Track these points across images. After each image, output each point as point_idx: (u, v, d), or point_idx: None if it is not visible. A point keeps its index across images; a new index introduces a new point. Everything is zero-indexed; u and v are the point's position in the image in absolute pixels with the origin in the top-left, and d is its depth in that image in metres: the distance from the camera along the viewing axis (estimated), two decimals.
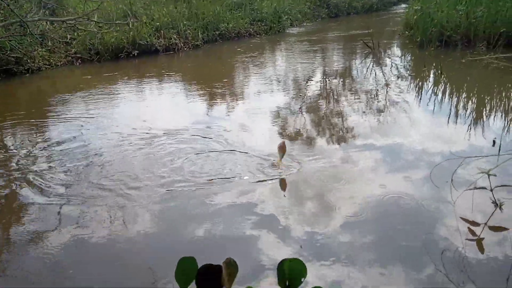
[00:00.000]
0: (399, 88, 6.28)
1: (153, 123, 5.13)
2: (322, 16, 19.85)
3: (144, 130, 4.88)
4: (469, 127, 4.48)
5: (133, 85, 7.75)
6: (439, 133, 4.39)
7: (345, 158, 3.86)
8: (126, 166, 3.91)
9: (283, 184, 3.42)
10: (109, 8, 11.30)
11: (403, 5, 22.97)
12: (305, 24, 17.22)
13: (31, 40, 8.53)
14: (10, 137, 5.11)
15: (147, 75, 8.58)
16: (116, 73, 8.86)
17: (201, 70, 9.20)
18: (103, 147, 4.43)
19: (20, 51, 8.21)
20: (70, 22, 8.94)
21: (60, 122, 5.51)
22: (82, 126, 5.28)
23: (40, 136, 5.03)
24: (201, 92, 6.91)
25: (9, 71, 8.14)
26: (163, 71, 8.86)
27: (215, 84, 7.38)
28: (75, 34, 9.78)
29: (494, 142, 3.55)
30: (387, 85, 6.48)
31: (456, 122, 4.72)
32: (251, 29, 14.28)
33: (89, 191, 3.47)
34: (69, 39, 9.76)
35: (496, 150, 3.49)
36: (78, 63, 9.41)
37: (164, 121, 5.20)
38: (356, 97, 5.99)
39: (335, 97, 6.18)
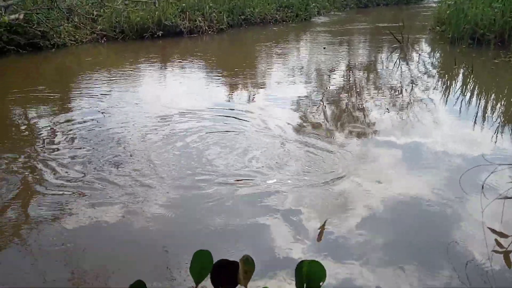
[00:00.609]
0: (427, 86, 6.09)
1: (172, 105, 5.15)
2: (350, 6, 19.42)
3: (161, 110, 4.89)
4: (498, 131, 4.30)
5: (156, 67, 7.76)
6: (467, 136, 4.25)
7: (361, 155, 3.78)
8: (145, 145, 3.93)
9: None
10: None
11: None
12: (332, 12, 16.87)
13: (58, 14, 8.60)
14: (33, 109, 5.20)
15: (171, 58, 8.58)
16: (141, 53, 8.89)
17: (225, 56, 9.14)
18: (124, 127, 4.46)
19: (47, 25, 8.28)
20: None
21: (82, 98, 5.57)
22: (102, 102, 5.34)
23: (60, 111, 5.10)
24: (223, 79, 6.86)
25: (35, 45, 8.23)
26: (187, 54, 8.84)
27: (238, 71, 7.32)
28: (102, 11, 9.82)
29: None
30: (413, 82, 6.29)
31: (484, 126, 4.54)
32: (277, 15, 14.07)
33: (107, 168, 3.50)
34: (95, 16, 9.82)
35: None
36: (103, 41, 9.48)
37: (180, 108, 5.19)
38: (381, 93, 5.84)
39: (358, 91, 6.04)
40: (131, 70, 7.30)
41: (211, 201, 3.02)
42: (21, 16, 7.19)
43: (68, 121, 4.71)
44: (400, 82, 6.33)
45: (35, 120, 4.86)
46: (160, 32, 10.11)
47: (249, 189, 3.17)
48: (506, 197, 2.74)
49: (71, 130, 4.45)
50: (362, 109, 5.17)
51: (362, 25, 13.40)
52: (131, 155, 3.78)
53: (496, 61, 7.03)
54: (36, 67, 7.57)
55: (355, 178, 3.29)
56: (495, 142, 4.00)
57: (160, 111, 4.95)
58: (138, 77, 6.90)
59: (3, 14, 6.63)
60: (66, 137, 4.25)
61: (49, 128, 4.54)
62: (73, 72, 7.33)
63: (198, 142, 4.02)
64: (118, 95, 5.76)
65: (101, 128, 4.49)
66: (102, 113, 4.97)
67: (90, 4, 9.54)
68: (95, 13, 9.77)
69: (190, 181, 3.29)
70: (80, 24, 9.35)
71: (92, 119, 4.74)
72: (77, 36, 9.10)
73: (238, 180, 3.28)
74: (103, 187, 3.23)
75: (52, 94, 5.76)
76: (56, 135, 4.33)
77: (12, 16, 6.80)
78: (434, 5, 17.41)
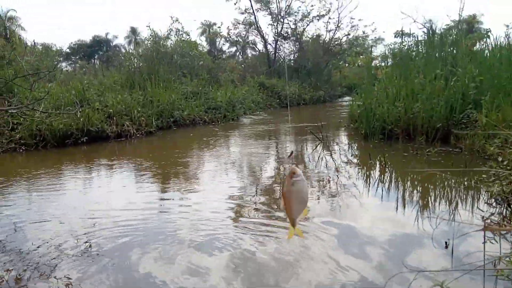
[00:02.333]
0: (350, 175, 6.52)
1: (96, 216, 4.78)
2: (274, 106, 20.97)
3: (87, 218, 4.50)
4: (418, 214, 4.58)
5: (79, 172, 7.39)
6: (391, 218, 4.44)
7: (297, 245, 3.76)
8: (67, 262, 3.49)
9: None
10: (61, 94, 11.20)
11: (347, 98, 24.98)
12: (258, 112, 17.99)
13: None
14: None
15: (96, 161, 8.28)
16: (63, 160, 8.48)
17: (155, 157, 9.04)
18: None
19: None
20: (13, 111, 8.63)
21: None
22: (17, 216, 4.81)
23: None
24: (152, 179, 6.69)
25: None
26: (114, 158, 8.61)
27: (168, 172, 7.23)
28: (21, 119, 9.46)
29: (446, 244, 3.56)
30: (338, 172, 6.68)
31: (405, 209, 4.87)
32: (205, 117, 14.65)
33: None
34: (15, 124, 9.41)
35: (449, 252, 3.50)
36: (21, 150, 8.96)
37: (108, 213, 4.85)
38: (309, 182, 6.08)
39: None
40: (52, 177, 6.86)
41: None
42: None
43: None
44: (326, 172, 6.70)
45: None
46: (85, 137, 9.88)
47: None
48: None
49: None
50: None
51: (286, 124, 14.34)
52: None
53: (405, 154, 7.76)
54: None
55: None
56: (417, 225, 4.23)
57: (84, 219, 4.56)
58: (59, 184, 6.47)
59: None
60: None
61: None
62: None
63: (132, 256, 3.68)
64: (37, 204, 5.27)
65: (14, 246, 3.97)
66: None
67: (8, 114, 9.14)
68: (13, 122, 9.36)
69: None
70: None
71: (6, 235, 4.20)
72: None
73: None
74: None
75: None
76: None
77: None
78: (347, 103, 19.44)
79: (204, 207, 5.11)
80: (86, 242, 4.04)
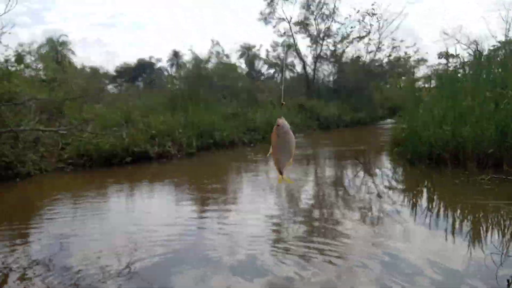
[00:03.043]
0: (394, 201, 6.25)
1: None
2: (313, 128, 20.77)
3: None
4: (469, 246, 4.28)
5: (122, 192, 7.58)
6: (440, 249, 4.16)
7: (340, 272, 3.58)
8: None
9: None
10: (107, 116, 11.65)
11: (389, 120, 24.35)
12: (297, 135, 17.83)
13: (24, 145, 8.48)
14: None
15: (140, 182, 8.46)
16: (109, 180, 8.73)
17: (194, 177, 9.13)
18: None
19: (11, 156, 8.07)
20: (62, 132, 9.03)
21: (42, 231, 5.16)
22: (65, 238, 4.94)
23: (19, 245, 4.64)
24: (192, 199, 6.72)
25: None
26: (156, 179, 8.77)
27: (208, 193, 7.24)
28: (70, 139, 9.87)
29: (508, 282, 3.24)
30: (381, 199, 6.41)
31: (455, 240, 4.56)
32: (244, 138, 14.70)
33: None
34: (63, 144, 9.83)
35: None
36: (69, 169, 9.30)
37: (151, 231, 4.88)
38: (352, 208, 5.89)
39: (329, 207, 6.11)
40: (97, 196, 7.07)
41: None
42: None
43: (25, 255, 4.28)
44: (370, 199, 6.46)
45: None
46: (129, 158, 10.15)
47: None
48: None
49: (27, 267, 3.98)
50: (336, 223, 5.16)
51: (326, 144, 14.12)
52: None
53: (456, 181, 7.30)
54: None
55: None
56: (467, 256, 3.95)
57: (126, 238, 4.63)
58: (106, 203, 6.68)
59: None
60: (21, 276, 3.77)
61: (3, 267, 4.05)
62: (36, 204, 6.95)
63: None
64: (81, 223, 5.43)
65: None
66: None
67: (58, 135, 9.55)
68: (62, 142, 9.78)
69: None
70: (46, 153, 9.26)
71: (50, 252, 4.34)
72: (42, 165, 8.90)
73: None
74: None
75: (10, 229, 5.33)
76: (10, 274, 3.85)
77: None
78: (389, 126, 18.93)
79: (243, 229, 5.09)
80: (127, 261, 4.08)
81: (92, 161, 9.74)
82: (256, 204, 6.46)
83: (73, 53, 41.64)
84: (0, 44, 12.91)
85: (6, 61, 13.27)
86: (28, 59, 15.50)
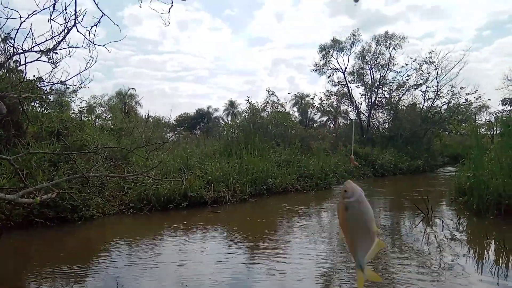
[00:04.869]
0: (457, 254, 5.83)
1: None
2: (368, 175, 20.20)
3: None
4: None
5: (177, 236, 7.76)
6: None
7: None
8: None
9: None
10: (168, 163, 12.19)
11: (450, 168, 23.08)
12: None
13: (91, 190, 9.03)
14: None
15: (193, 226, 8.63)
16: (165, 223, 9.01)
17: (246, 223, 9.14)
18: None
19: (77, 200, 8.56)
20: (129, 178, 9.55)
21: (99, 273, 5.39)
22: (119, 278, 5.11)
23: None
24: (243, 246, 6.70)
25: (63, 218, 8.40)
26: (210, 224, 8.90)
27: (258, 237, 7.20)
28: (132, 184, 10.40)
29: None
30: (450, 255, 5.99)
31: None
32: (298, 185, 14.61)
33: None
34: (126, 189, 10.37)
35: None
36: (129, 213, 9.73)
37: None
38: (412, 258, 5.53)
39: (384, 256, 5.79)
40: (153, 240, 7.31)
41: None
42: (54, 195, 7.46)
43: None
44: (437, 254, 6.05)
45: None
46: (185, 203, 10.45)
47: None
48: None
49: None
50: (392, 275, 4.82)
51: (382, 192, 13.62)
52: None
53: None
54: (61, 241, 7.59)
55: None
56: None
57: (178, 282, 4.70)
58: (158, 246, 6.86)
59: (36, 195, 6.93)
60: None
61: None
62: (97, 246, 7.30)
63: None
64: (140, 268, 5.59)
65: None
66: None
67: (123, 180, 10.06)
68: (126, 186, 10.32)
69: None
70: (110, 197, 9.79)
71: None
72: (105, 209, 9.38)
73: None
74: None
75: (70, 270, 5.62)
76: None
77: (45, 196, 7.06)
78: (449, 174, 17.93)
79: (292, 277, 5.02)
80: None
81: (151, 205, 10.13)
82: (305, 251, 6.35)
83: (139, 104, 44.99)
84: (76, 97, 14.30)
85: (81, 112, 14.61)
86: (99, 110, 16.93)
